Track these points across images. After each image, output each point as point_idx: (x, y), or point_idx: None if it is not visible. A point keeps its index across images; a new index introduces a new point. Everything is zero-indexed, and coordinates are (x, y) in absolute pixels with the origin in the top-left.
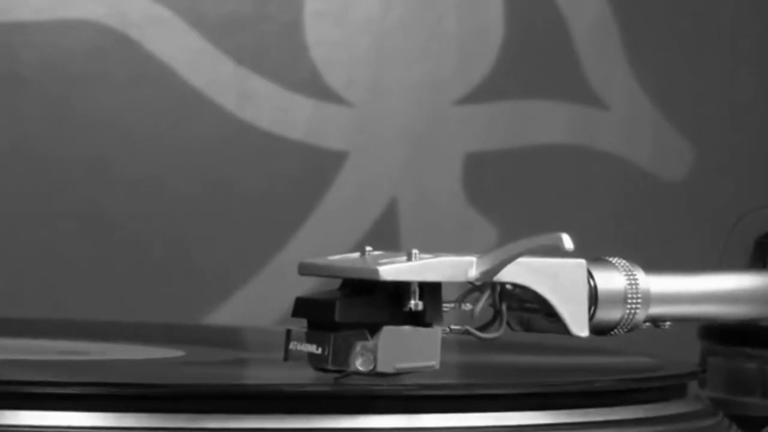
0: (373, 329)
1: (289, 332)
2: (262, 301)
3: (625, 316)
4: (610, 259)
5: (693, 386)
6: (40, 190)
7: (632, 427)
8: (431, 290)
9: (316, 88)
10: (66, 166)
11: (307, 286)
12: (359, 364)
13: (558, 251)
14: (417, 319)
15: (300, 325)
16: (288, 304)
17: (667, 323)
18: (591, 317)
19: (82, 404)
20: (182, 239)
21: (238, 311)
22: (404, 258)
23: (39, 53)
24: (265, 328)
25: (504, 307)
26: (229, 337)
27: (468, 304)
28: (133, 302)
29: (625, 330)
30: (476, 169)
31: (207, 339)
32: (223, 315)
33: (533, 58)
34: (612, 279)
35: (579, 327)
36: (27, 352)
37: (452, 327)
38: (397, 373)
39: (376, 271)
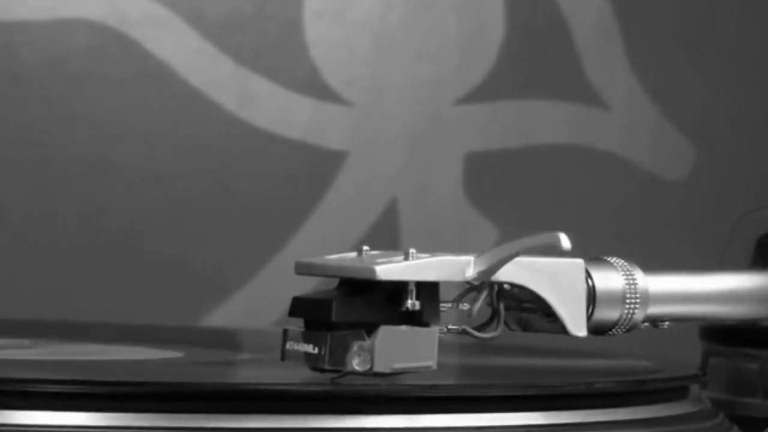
0: (370, 329)
1: (285, 332)
2: (261, 301)
3: (624, 316)
4: (609, 258)
5: (694, 387)
6: (39, 190)
7: (633, 428)
8: (428, 290)
9: (316, 88)
10: (66, 165)
11: (307, 286)
12: (356, 364)
13: (556, 251)
14: (414, 319)
15: (297, 325)
16: (287, 304)
17: (666, 323)
18: (589, 317)
19: (82, 404)
20: (182, 239)
21: (237, 311)
22: (401, 257)
23: (38, 52)
24: (263, 329)
25: (502, 306)
26: (226, 338)
27: (466, 304)
28: (133, 302)
29: (624, 330)
30: (476, 169)
31: (205, 340)
32: (223, 315)
33: (533, 57)
34: (610, 279)
35: (577, 327)
36: (27, 353)
37: (450, 327)
38: (394, 373)
39: (373, 271)
